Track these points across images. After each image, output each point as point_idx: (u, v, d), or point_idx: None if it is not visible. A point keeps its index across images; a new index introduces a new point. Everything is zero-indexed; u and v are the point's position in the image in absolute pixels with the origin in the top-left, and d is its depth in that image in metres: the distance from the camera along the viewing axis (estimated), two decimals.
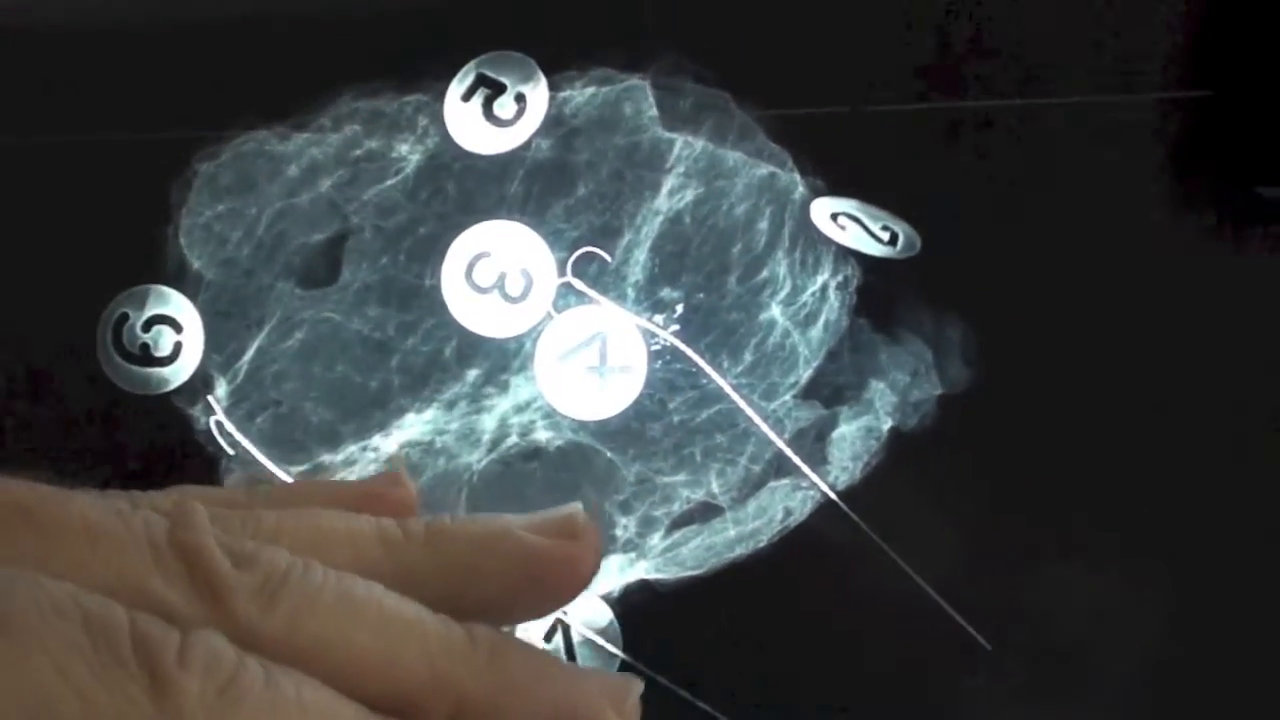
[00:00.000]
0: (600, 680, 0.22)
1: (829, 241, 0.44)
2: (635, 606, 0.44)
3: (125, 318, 0.43)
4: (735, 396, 0.44)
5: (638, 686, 0.22)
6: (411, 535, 0.22)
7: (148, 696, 0.17)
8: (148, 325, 0.43)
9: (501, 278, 0.44)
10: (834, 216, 0.44)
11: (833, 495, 0.43)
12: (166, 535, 0.20)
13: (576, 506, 0.24)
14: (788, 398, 0.44)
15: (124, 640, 0.18)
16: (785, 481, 0.44)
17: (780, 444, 0.44)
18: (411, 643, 0.20)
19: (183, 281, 0.44)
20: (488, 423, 0.44)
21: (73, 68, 0.46)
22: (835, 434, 0.44)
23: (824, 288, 0.44)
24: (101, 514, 0.20)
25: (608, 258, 0.44)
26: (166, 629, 0.18)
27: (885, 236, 0.43)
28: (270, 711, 0.18)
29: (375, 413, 0.44)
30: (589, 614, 0.44)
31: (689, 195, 0.44)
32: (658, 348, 0.44)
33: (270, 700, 0.18)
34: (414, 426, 0.44)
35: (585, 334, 0.44)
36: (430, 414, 0.44)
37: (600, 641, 0.44)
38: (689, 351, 0.44)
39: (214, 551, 0.20)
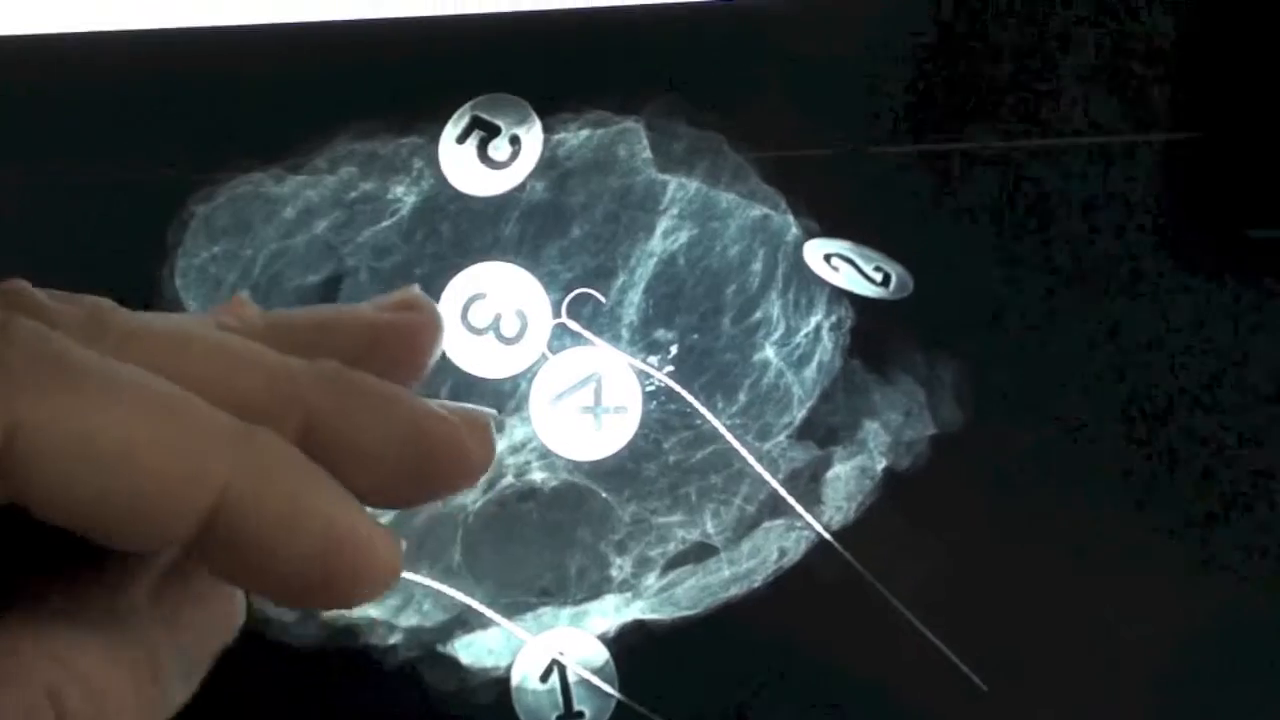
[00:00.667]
0: (458, 408, 0.21)
1: (822, 282, 0.44)
2: (631, 646, 0.44)
3: None
4: (730, 437, 0.44)
5: (493, 417, 0.22)
6: (249, 321, 0.22)
7: None
8: None
9: (497, 319, 0.44)
10: (827, 258, 0.44)
11: (827, 535, 0.44)
12: None
13: (414, 286, 0.24)
14: (782, 438, 0.44)
15: None
16: (780, 522, 0.44)
17: (775, 484, 0.44)
18: (246, 365, 0.20)
19: None
20: None
21: (70, 109, 0.46)
22: (829, 474, 0.44)
23: (817, 328, 0.44)
24: None
25: (602, 299, 0.45)
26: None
27: (878, 277, 0.44)
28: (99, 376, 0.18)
29: None
30: (585, 654, 0.44)
31: (683, 237, 0.45)
32: (652, 388, 0.44)
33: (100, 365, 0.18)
34: None
35: (580, 375, 0.44)
36: None
37: (596, 681, 0.44)
38: (683, 392, 0.44)
39: (37, 294, 0.20)
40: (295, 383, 0.20)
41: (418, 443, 0.20)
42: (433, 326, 0.23)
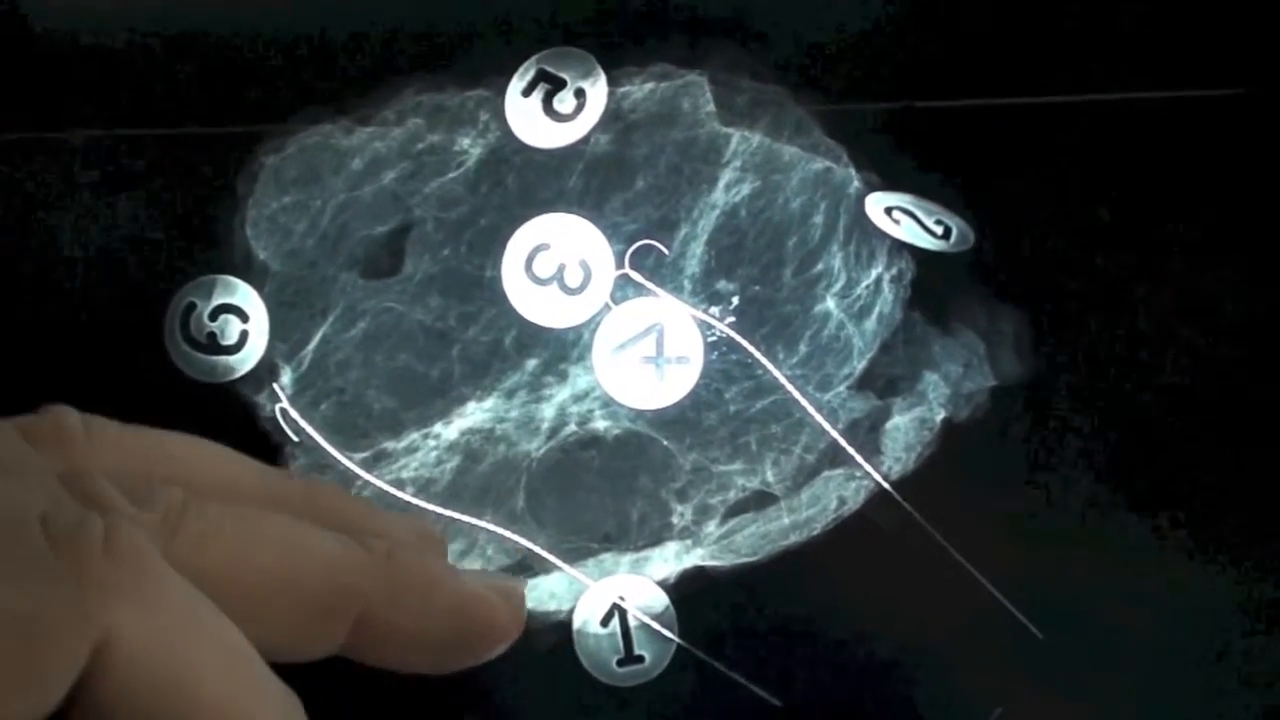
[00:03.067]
0: (491, 581, 0.23)
1: (883, 235, 0.45)
2: (690, 592, 0.45)
3: (193, 307, 0.44)
4: (790, 387, 0.45)
5: (523, 586, 0.24)
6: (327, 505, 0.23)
7: (74, 589, 0.18)
8: (215, 314, 0.44)
9: (561, 269, 0.45)
10: (888, 211, 0.44)
11: (886, 485, 0.44)
12: (59, 478, 0.20)
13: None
14: (842, 389, 0.45)
15: (38, 539, 0.18)
16: (839, 471, 0.45)
17: (834, 434, 0.44)
18: (310, 558, 0.21)
19: (249, 272, 0.45)
20: (547, 411, 0.45)
21: (145, 66, 0.47)
22: (889, 425, 0.45)
23: (878, 281, 0.45)
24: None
25: (665, 250, 0.45)
26: (86, 520, 0.18)
27: (939, 230, 0.44)
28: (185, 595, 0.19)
29: (436, 401, 0.45)
30: (645, 599, 0.45)
31: (745, 189, 0.45)
32: (714, 339, 0.45)
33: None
34: (474, 414, 0.45)
35: (642, 325, 0.45)
36: (490, 402, 0.45)
37: (656, 626, 0.44)
38: (745, 343, 0.45)
39: (112, 492, 0.20)
40: (351, 573, 0.22)
41: (458, 623, 0.23)
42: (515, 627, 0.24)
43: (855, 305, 0.45)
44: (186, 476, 0.22)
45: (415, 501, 0.45)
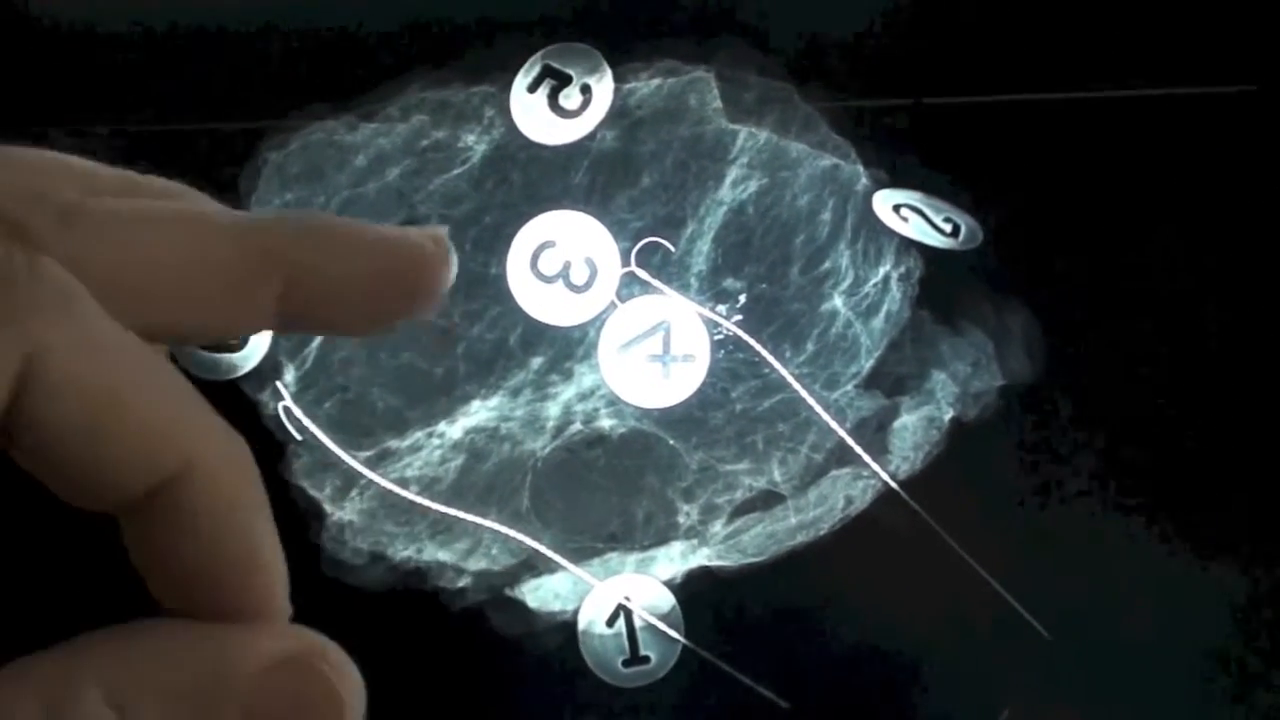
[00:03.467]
0: (413, 228, 0.23)
1: (891, 233, 0.44)
2: (697, 592, 0.44)
3: None
4: (797, 386, 0.44)
5: (445, 230, 0.23)
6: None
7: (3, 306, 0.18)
8: None
9: (566, 267, 0.45)
10: (896, 208, 0.44)
11: (893, 484, 0.44)
12: None
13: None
14: (849, 387, 0.44)
15: None
16: (846, 470, 0.44)
17: (842, 433, 0.44)
18: (220, 227, 0.20)
19: None
20: (552, 410, 0.45)
21: (147, 62, 0.47)
22: (896, 424, 0.44)
23: (886, 279, 0.44)
24: None
25: (671, 248, 0.45)
26: (11, 250, 0.18)
27: (947, 228, 0.44)
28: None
29: (441, 399, 0.45)
30: (651, 599, 0.44)
31: (752, 186, 0.45)
32: (720, 337, 0.45)
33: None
34: (479, 413, 0.45)
35: (649, 323, 0.44)
36: (495, 401, 0.45)
37: (662, 626, 0.44)
38: (751, 341, 0.44)
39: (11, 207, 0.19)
40: (266, 237, 0.21)
41: (388, 263, 0.22)
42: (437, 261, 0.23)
43: (863, 303, 0.44)
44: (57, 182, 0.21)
45: (420, 500, 0.45)
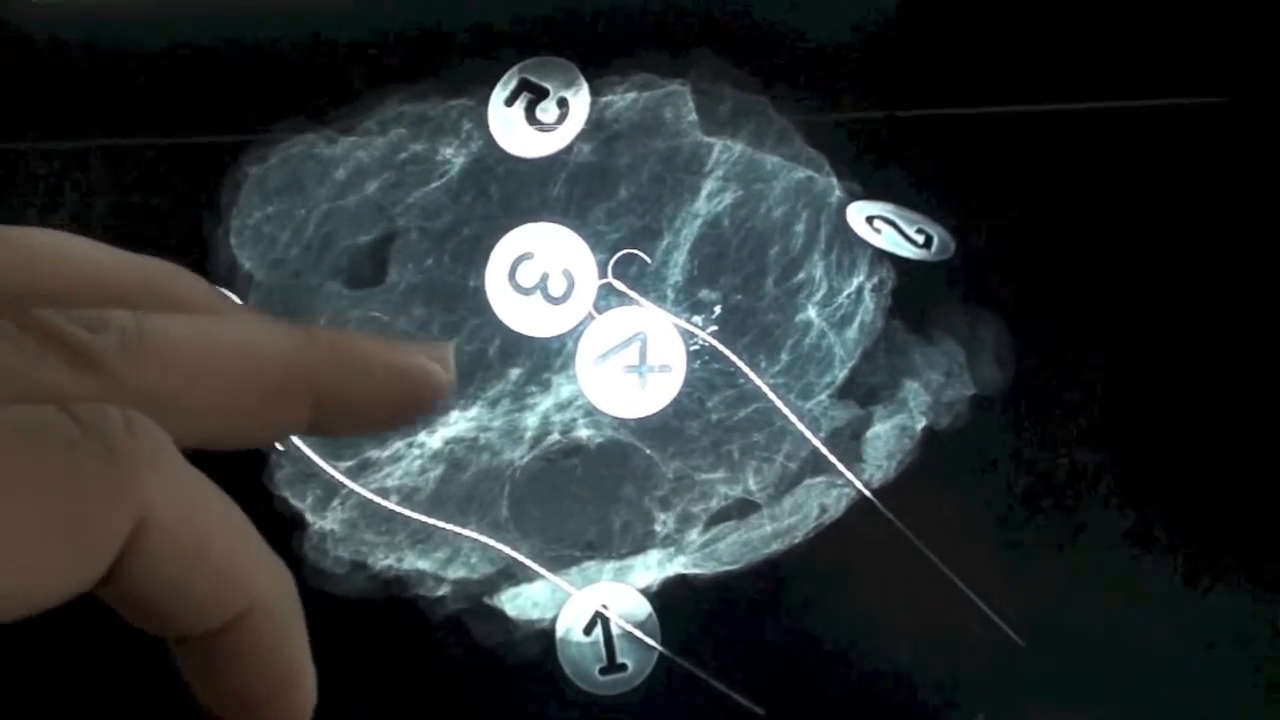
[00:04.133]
0: (422, 346, 0.25)
1: (865, 244, 0.45)
2: (673, 601, 0.45)
3: None
4: (772, 396, 0.45)
5: (451, 346, 0.25)
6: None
7: (109, 469, 0.19)
8: None
9: (544, 279, 0.45)
10: (869, 220, 0.45)
11: (867, 493, 0.44)
12: (18, 330, 0.20)
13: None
14: (823, 397, 0.45)
15: (70, 428, 0.19)
16: (821, 479, 0.45)
17: (816, 442, 0.45)
18: (265, 350, 0.22)
19: (233, 281, 0.45)
20: (530, 420, 0.45)
21: (131, 75, 0.47)
22: (870, 433, 0.45)
23: (859, 289, 0.45)
24: None
25: (648, 259, 0.45)
26: (104, 409, 0.19)
27: (920, 239, 0.44)
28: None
29: None
30: (628, 607, 0.45)
31: (728, 198, 0.45)
32: (696, 348, 0.45)
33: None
34: (458, 423, 0.45)
35: (625, 334, 0.45)
36: (474, 411, 0.45)
37: (639, 634, 0.45)
38: (727, 352, 0.45)
39: (67, 326, 0.20)
40: (304, 357, 0.23)
41: (401, 387, 0.24)
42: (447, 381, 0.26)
43: (837, 314, 0.45)
44: (94, 281, 0.23)
45: (400, 509, 0.45)
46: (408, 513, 0.45)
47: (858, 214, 0.45)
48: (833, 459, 0.44)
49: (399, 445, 0.45)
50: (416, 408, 0.25)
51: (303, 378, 0.23)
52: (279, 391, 0.22)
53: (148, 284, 0.24)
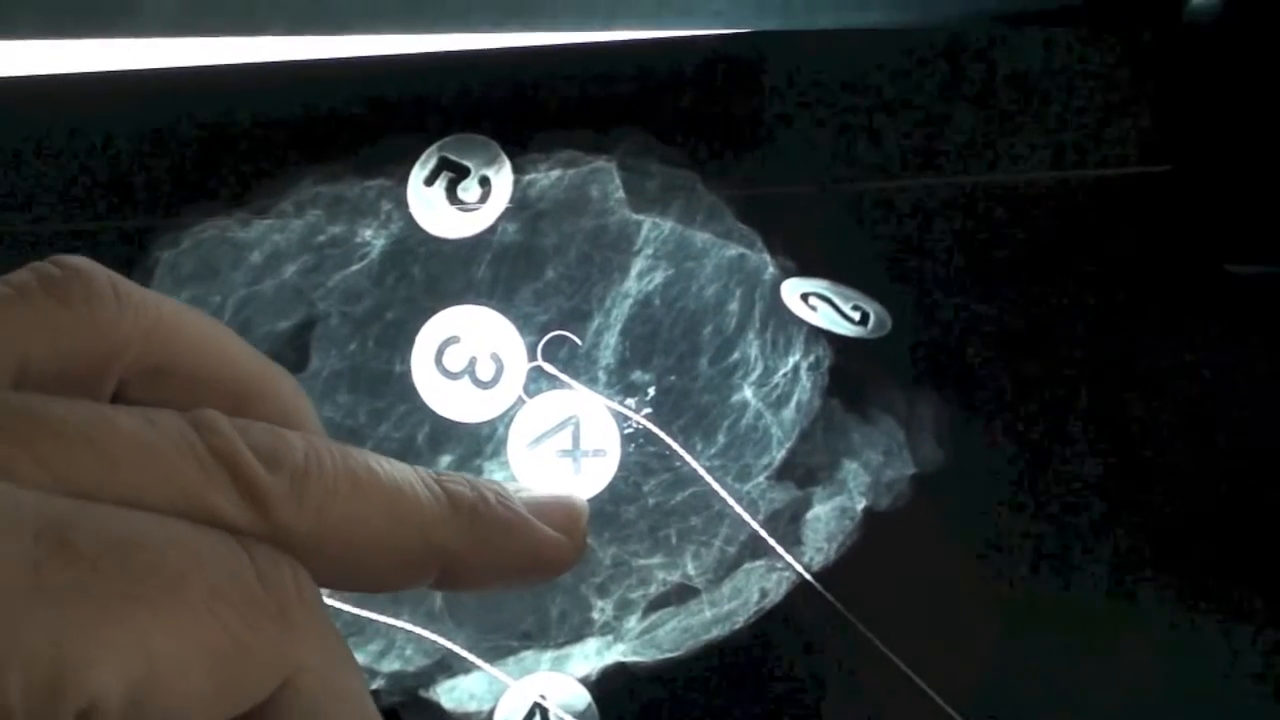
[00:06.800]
0: (554, 513, 0.26)
1: (800, 322, 0.44)
2: (613, 689, 0.44)
3: None
4: (709, 479, 0.44)
5: (584, 509, 0.27)
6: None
7: (278, 628, 0.20)
8: None
9: (472, 362, 0.44)
10: (804, 297, 0.43)
11: (808, 576, 0.43)
12: (204, 446, 0.21)
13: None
14: (761, 479, 0.44)
15: (253, 579, 0.20)
16: (760, 563, 0.44)
17: (755, 525, 0.44)
18: (410, 517, 0.23)
19: None
20: None
21: (35, 158, 0.45)
22: (809, 515, 0.44)
23: (796, 368, 0.44)
24: (146, 431, 0.20)
25: (578, 341, 0.44)
26: (279, 560, 0.20)
27: (856, 316, 0.43)
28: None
29: None
30: (567, 697, 0.44)
31: (658, 277, 0.44)
32: (630, 431, 0.44)
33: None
34: None
35: (557, 418, 0.44)
36: None
37: None
38: (662, 434, 0.44)
39: (248, 457, 0.21)
40: (443, 531, 0.24)
41: (529, 563, 0.25)
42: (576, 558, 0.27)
43: (773, 394, 0.44)
44: (242, 385, 0.25)
45: (330, 602, 0.44)
46: (340, 605, 0.44)
47: (792, 291, 0.43)
48: (772, 542, 0.44)
49: None
50: (538, 581, 0.26)
51: (439, 552, 0.23)
52: (414, 562, 0.23)
53: (275, 394, 0.26)
